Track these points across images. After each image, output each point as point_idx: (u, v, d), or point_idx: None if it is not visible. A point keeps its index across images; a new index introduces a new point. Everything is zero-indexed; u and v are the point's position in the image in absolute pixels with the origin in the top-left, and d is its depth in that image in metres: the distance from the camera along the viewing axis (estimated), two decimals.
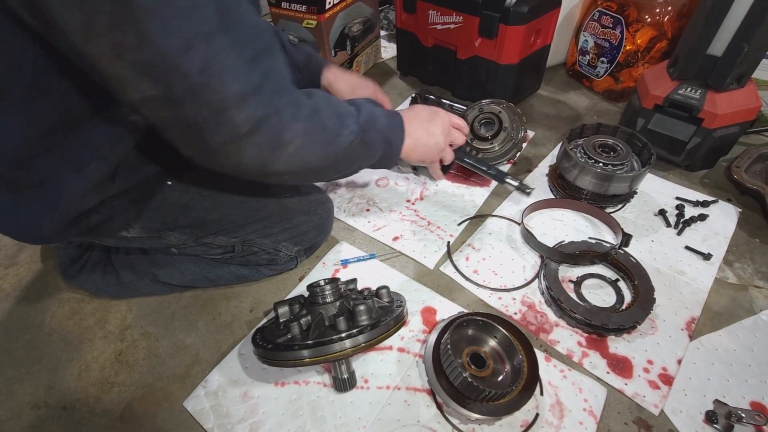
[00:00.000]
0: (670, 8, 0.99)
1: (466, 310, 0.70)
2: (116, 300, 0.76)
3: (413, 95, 1.11)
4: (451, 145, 0.73)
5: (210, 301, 0.75)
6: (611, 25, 1.06)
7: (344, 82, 0.81)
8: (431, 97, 1.07)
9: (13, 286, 0.82)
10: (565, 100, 1.18)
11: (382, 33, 1.48)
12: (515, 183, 0.82)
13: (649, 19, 1.00)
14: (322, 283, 0.61)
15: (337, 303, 0.59)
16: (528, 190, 0.82)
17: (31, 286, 0.81)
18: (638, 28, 1.04)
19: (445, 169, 0.79)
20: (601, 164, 0.80)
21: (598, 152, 0.83)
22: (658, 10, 0.99)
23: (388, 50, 1.43)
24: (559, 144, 1.01)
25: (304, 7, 1.06)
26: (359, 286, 0.72)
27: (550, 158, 0.98)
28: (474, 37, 1.02)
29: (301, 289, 0.75)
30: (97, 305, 0.77)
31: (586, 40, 1.14)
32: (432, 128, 0.67)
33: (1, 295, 0.80)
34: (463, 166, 0.86)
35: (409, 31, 1.17)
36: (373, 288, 0.72)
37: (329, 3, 1.07)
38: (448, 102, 1.10)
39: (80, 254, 0.75)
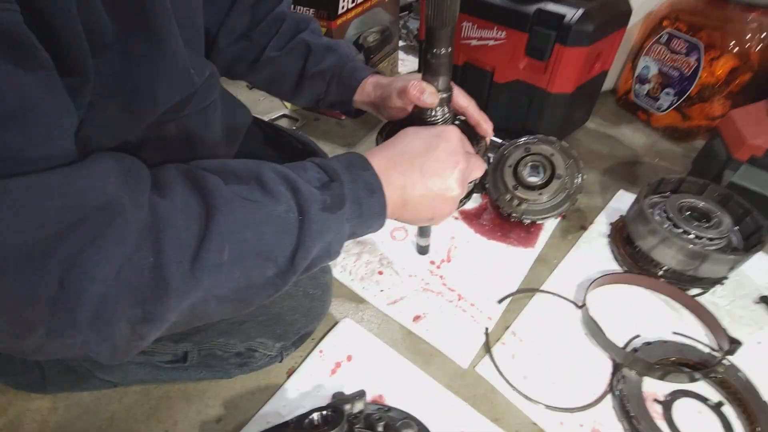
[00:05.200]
0: (764, 34, 0.80)
1: None
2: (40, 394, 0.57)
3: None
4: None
5: (164, 401, 0.56)
6: (684, 51, 0.87)
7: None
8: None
9: None
10: (617, 136, 0.99)
11: (400, 44, 1.30)
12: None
13: (736, 47, 0.82)
14: (316, 419, 0.41)
15: None
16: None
17: None
18: (716, 55, 0.86)
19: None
20: (693, 236, 0.61)
21: (686, 218, 0.64)
22: (749, 36, 0.80)
23: (407, 64, 1.25)
24: (619, 194, 0.82)
25: (312, 11, 0.87)
26: (369, 391, 0.52)
27: (608, 212, 0.79)
28: (518, 57, 0.83)
29: (290, 389, 0.56)
30: (14, 396, 0.57)
31: (647, 67, 0.95)
32: (432, 165, 0.40)
33: None
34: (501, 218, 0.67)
35: None
36: (387, 405, 0.52)
37: (342, 8, 0.88)
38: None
39: None
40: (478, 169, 0.44)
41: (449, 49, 0.40)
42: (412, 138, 0.41)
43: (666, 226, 0.63)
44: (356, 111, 0.57)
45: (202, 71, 0.42)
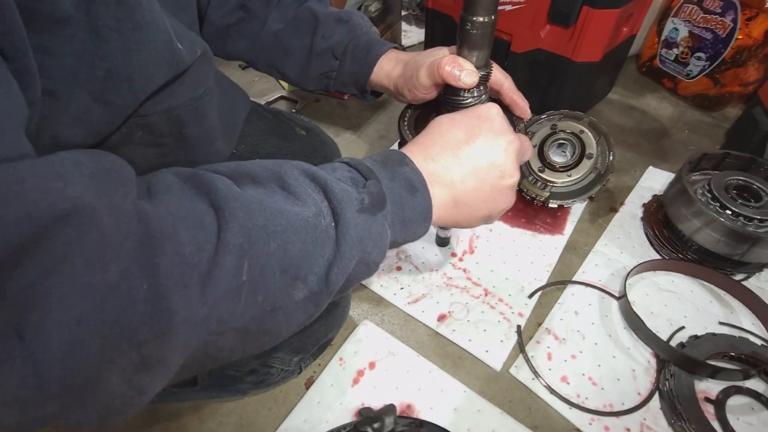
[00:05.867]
0: None
1: None
2: None
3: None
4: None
5: (174, 420, 0.51)
6: (719, 11, 0.79)
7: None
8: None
9: None
10: (641, 107, 0.92)
11: (403, 13, 1.20)
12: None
13: None
14: None
15: None
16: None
17: None
18: (752, 15, 0.78)
19: None
20: (741, 219, 0.56)
21: (732, 197, 0.58)
22: None
23: (410, 35, 1.16)
24: (649, 171, 0.77)
25: None
26: (396, 401, 0.48)
27: (639, 192, 0.74)
28: (540, 23, 0.75)
29: (310, 402, 0.51)
30: None
31: (676, 29, 0.87)
32: (481, 151, 0.33)
33: None
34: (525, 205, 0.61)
35: (444, 13, 0.90)
36: (419, 419, 0.48)
37: None
38: None
39: None
40: (529, 149, 0.39)
41: (492, 17, 0.34)
42: (448, 126, 0.35)
43: (711, 207, 0.58)
44: (372, 92, 0.50)
45: (192, 47, 0.35)
